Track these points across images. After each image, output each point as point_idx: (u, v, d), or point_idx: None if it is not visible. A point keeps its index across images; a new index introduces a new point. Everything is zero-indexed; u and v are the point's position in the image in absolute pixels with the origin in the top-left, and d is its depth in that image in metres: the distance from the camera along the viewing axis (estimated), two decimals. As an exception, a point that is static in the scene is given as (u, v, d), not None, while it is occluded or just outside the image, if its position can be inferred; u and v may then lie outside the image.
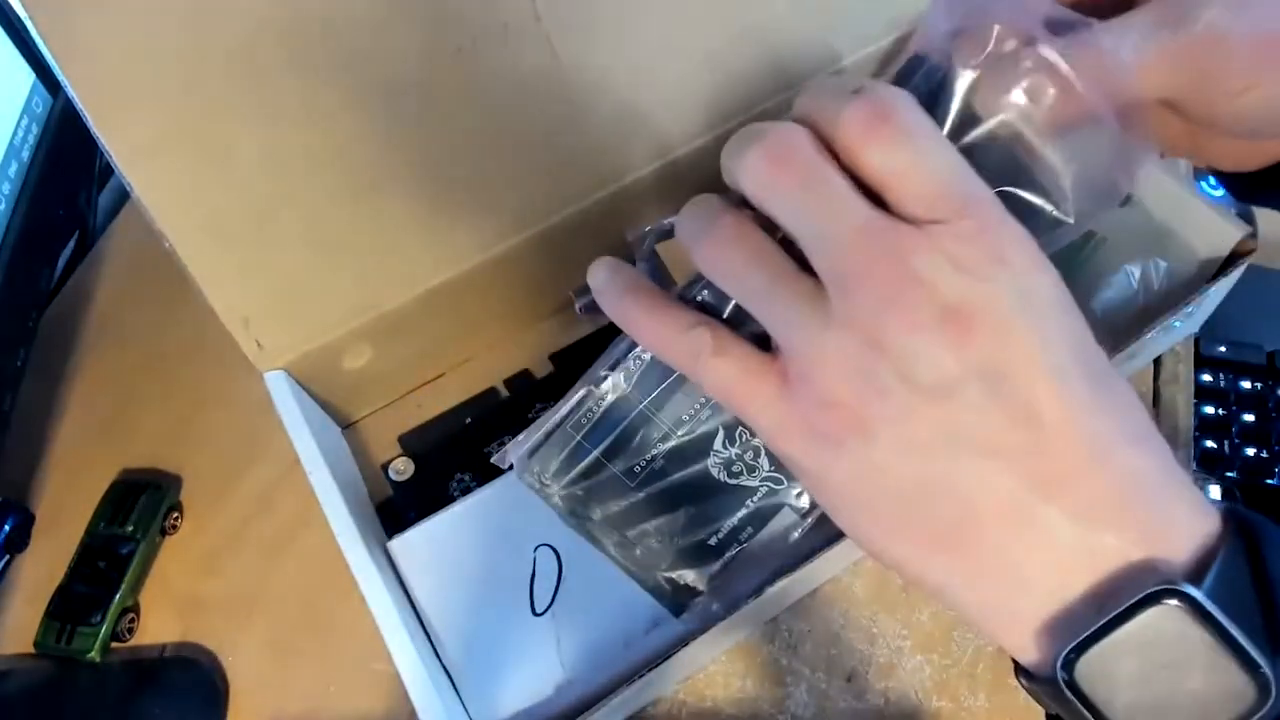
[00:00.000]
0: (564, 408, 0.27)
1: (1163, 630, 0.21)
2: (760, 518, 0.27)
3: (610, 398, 0.26)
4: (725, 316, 0.25)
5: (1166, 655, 0.21)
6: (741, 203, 0.24)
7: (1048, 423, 0.21)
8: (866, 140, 0.21)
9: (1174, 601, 0.20)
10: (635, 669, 0.37)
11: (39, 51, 0.34)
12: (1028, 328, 0.21)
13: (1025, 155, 0.23)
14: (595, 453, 0.27)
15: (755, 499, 0.27)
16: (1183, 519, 0.22)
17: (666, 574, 0.28)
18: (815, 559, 0.37)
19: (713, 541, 0.27)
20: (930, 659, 0.42)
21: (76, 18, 0.34)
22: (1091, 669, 0.21)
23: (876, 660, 0.42)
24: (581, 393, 0.27)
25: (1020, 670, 0.24)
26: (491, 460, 0.29)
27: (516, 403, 0.50)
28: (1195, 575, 0.21)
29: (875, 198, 0.22)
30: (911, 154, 0.21)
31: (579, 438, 0.27)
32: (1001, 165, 0.23)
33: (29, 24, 0.33)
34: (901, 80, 0.24)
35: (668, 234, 0.37)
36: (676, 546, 0.28)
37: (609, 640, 0.38)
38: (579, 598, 0.39)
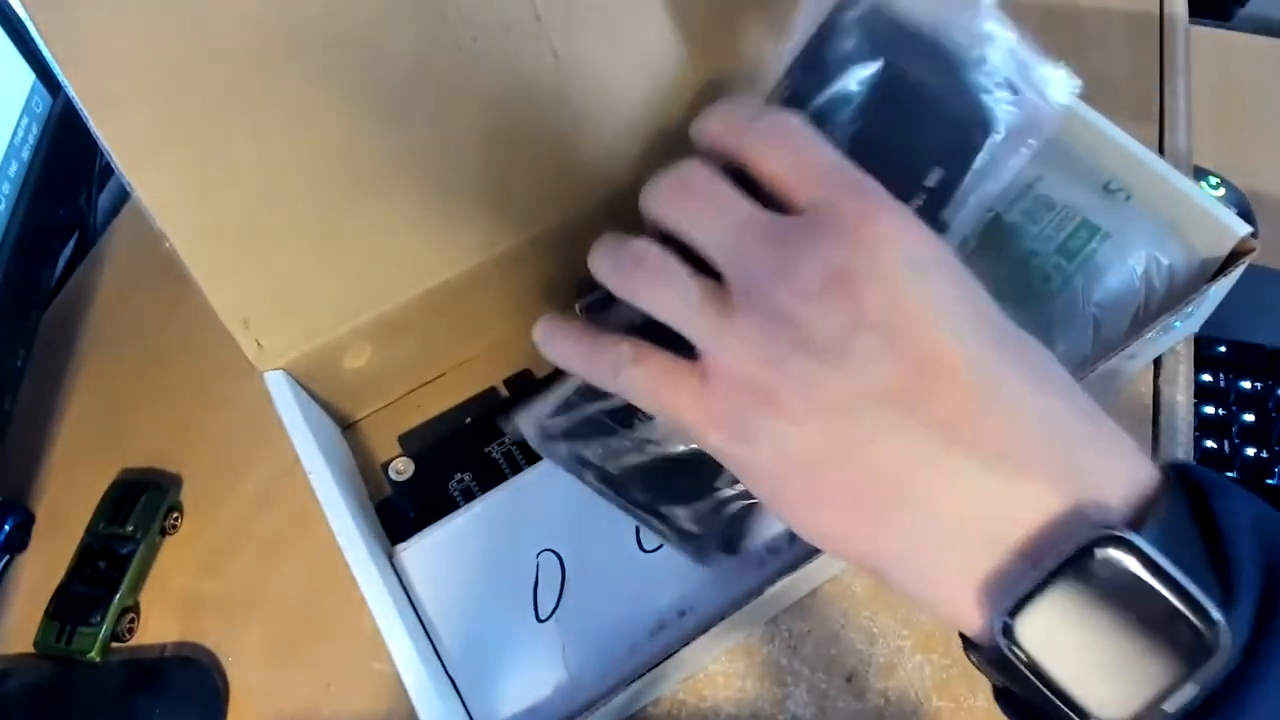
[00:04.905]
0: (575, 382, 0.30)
1: (1106, 581, 0.19)
2: None
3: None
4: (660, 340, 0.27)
5: (1112, 609, 0.20)
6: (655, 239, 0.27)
7: (945, 367, 0.22)
8: (770, 146, 0.26)
9: (1115, 550, 0.19)
10: (637, 671, 0.37)
11: (39, 51, 0.34)
12: (915, 285, 0.23)
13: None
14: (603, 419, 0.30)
15: None
16: (1114, 468, 0.21)
17: (684, 525, 0.30)
18: (815, 559, 0.37)
19: (725, 492, 0.29)
20: (930, 659, 0.42)
21: (76, 18, 0.34)
22: (1033, 629, 0.20)
23: (876, 660, 0.42)
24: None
25: (969, 645, 0.23)
26: (501, 427, 0.34)
27: (516, 403, 0.50)
28: (1134, 525, 0.20)
29: (771, 206, 0.25)
30: (802, 147, 0.26)
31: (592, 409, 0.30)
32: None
33: (29, 24, 0.33)
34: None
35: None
36: (687, 504, 0.30)
37: (614, 645, 0.38)
38: (583, 603, 0.39)
